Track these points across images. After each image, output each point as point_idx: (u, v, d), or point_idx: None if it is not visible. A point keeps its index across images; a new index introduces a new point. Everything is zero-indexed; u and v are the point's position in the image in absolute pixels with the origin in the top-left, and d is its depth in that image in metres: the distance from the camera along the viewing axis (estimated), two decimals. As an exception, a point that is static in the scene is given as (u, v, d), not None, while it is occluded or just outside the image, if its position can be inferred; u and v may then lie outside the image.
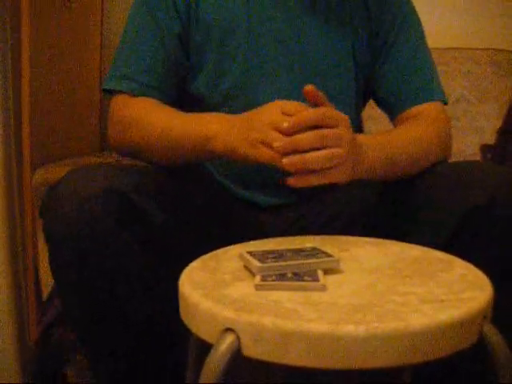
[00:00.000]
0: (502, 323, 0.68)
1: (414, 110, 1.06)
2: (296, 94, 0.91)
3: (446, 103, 1.09)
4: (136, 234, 0.84)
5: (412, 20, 1.10)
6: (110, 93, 1.05)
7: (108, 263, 0.83)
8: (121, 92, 1.02)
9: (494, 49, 1.77)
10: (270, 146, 0.82)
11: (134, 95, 1.01)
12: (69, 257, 0.82)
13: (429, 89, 1.08)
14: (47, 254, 0.86)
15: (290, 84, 1.04)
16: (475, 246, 0.84)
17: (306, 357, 0.61)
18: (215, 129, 0.90)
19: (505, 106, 1.69)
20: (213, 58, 1.03)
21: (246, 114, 0.89)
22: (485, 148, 1.65)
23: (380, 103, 1.13)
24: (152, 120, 0.97)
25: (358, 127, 1.13)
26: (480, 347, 0.67)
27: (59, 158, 1.57)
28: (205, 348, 0.67)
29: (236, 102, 1.03)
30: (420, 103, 1.06)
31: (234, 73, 1.03)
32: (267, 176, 1.01)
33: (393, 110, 1.10)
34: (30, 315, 1.53)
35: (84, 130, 1.78)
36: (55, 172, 1.47)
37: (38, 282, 1.52)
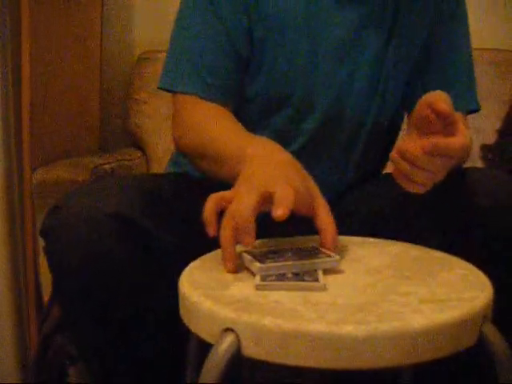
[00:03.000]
0: (502, 323, 0.69)
1: None
2: (351, 94, 0.94)
3: (478, 110, 1.07)
4: (143, 257, 0.83)
5: (462, 17, 1.06)
6: (169, 91, 1.02)
7: (115, 287, 0.82)
8: (184, 93, 0.99)
9: (494, 49, 1.77)
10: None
11: (199, 97, 0.98)
12: (75, 284, 0.81)
13: (464, 98, 1.05)
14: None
15: (347, 91, 1.02)
16: (476, 246, 0.84)
17: (306, 357, 0.61)
18: (252, 153, 0.84)
19: (505, 106, 1.69)
20: (271, 58, 1.00)
21: (290, 165, 0.83)
22: (485, 148, 1.65)
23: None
24: (207, 128, 0.95)
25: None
26: (480, 347, 0.67)
27: (59, 158, 1.56)
28: (205, 348, 0.67)
29: (289, 103, 1.02)
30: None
31: (290, 76, 1.01)
32: None
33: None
34: (30, 316, 1.53)
35: (84, 129, 1.78)
36: (55, 172, 1.47)
37: (38, 282, 1.52)
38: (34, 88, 1.51)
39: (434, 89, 1.02)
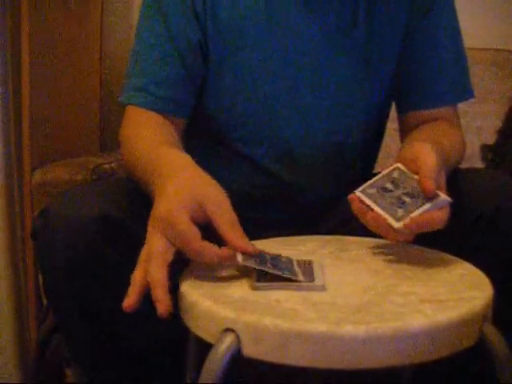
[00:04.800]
0: (502, 323, 0.68)
1: (435, 111, 1.04)
2: (321, 110, 0.95)
3: (471, 97, 1.07)
4: (132, 259, 0.82)
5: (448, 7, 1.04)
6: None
7: (103, 288, 0.81)
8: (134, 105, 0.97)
9: (494, 49, 1.77)
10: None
11: (147, 108, 0.96)
12: (63, 287, 0.81)
13: (454, 89, 1.04)
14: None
15: (313, 101, 1.00)
16: (476, 247, 0.84)
17: (306, 357, 0.61)
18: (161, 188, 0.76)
19: (505, 106, 1.69)
20: (229, 73, 0.98)
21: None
22: (485, 148, 1.65)
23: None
24: (134, 148, 0.90)
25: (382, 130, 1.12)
26: (480, 347, 0.67)
27: (59, 157, 1.56)
28: (205, 348, 0.67)
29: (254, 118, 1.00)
30: (443, 106, 1.04)
31: (251, 92, 0.99)
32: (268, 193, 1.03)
33: (407, 105, 1.06)
34: (30, 316, 1.53)
35: (84, 129, 1.78)
36: (55, 172, 1.46)
37: (37, 283, 1.52)
38: (34, 88, 1.51)
39: (422, 86, 1.03)
